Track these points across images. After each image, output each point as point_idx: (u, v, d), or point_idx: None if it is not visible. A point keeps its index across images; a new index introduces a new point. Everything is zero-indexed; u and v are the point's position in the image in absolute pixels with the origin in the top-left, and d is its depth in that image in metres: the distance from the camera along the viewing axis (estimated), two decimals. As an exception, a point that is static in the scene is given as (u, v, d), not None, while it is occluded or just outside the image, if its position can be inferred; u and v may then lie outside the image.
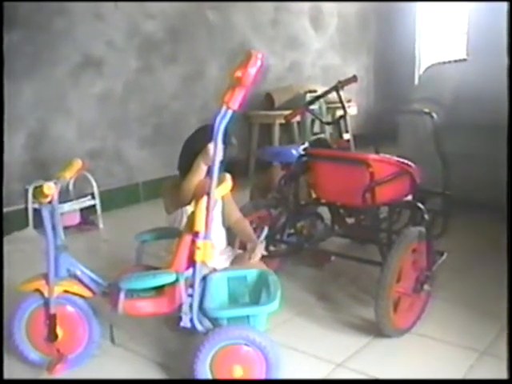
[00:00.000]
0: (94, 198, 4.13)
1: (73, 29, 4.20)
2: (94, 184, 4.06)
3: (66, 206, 3.86)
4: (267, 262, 2.91)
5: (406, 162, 2.68)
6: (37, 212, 3.86)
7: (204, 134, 2.25)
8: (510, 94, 2.83)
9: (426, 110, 3.05)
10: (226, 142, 1.93)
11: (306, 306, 2.75)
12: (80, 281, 2.09)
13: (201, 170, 2.09)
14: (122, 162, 4.67)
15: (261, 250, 2.24)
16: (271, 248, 2.88)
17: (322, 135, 4.37)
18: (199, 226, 1.84)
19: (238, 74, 1.75)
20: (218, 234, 2.32)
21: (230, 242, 2.47)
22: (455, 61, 5.11)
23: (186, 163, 2.24)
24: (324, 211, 3.10)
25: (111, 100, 4.53)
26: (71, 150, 4.25)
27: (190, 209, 2.21)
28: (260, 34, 5.75)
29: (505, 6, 5.42)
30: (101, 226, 4.13)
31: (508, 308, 2.10)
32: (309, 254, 3.14)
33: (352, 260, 2.83)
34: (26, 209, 3.95)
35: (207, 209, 1.84)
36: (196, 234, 1.85)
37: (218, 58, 5.29)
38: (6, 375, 2.07)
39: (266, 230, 2.26)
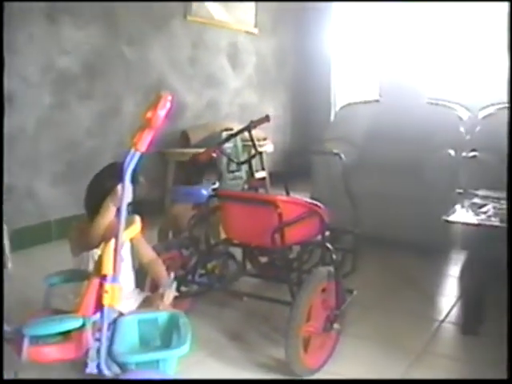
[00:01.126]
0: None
1: (-16, 62, 4.11)
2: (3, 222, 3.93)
3: (-27, 245, 3.72)
4: (178, 302, 2.91)
5: (314, 202, 2.74)
6: None
7: (111, 172, 2.23)
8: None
9: (335, 151, 3.15)
10: (134, 181, 1.92)
11: (217, 346, 2.75)
12: (-18, 326, 2.02)
13: (110, 211, 2.06)
14: (34, 199, 4.55)
15: (170, 296, 2.21)
16: (183, 288, 2.87)
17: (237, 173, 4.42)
18: (107, 268, 1.82)
19: (148, 115, 1.76)
20: (126, 277, 2.28)
21: (139, 283, 2.43)
22: (368, 101, 5.28)
23: (93, 202, 2.20)
24: (237, 250, 3.12)
25: (23, 136, 4.43)
26: (-21, 186, 4.12)
27: (96, 252, 2.17)
28: (178, 71, 5.77)
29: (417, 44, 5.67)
30: (9, 265, 3.98)
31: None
32: (221, 294, 3.14)
33: (263, 300, 2.85)
34: None
35: (115, 251, 1.83)
36: (104, 277, 1.83)
37: (135, 94, 5.27)
38: None
39: (172, 276, 2.25)
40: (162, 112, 1.74)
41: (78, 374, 2.23)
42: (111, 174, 2.20)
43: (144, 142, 1.77)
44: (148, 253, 2.38)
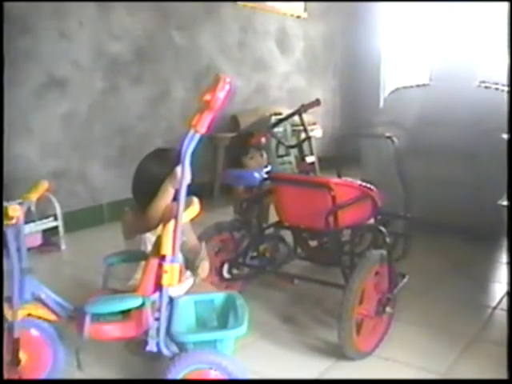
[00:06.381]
0: (56, 219, 4.08)
1: (37, 48, 4.18)
2: (57, 205, 4.01)
3: (28, 228, 3.80)
4: (230, 284, 2.94)
5: (367, 185, 2.73)
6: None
7: (157, 159, 2.27)
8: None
9: (388, 134, 3.12)
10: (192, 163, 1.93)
11: (269, 328, 2.77)
12: (45, 304, 2.07)
13: (168, 193, 2.08)
14: (86, 182, 4.64)
15: (206, 266, 2.22)
16: (234, 271, 2.90)
17: (286, 158, 4.42)
18: (166, 249, 1.84)
19: (207, 97, 1.76)
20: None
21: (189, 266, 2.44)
22: (418, 85, 5.21)
23: (146, 187, 2.22)
24: (287, 234, 3.13)
25: (76, 120, 4.51)
26: (33, 170, 4.21)
27: (148, 235, 2.21)
28: (227, 56, 5.79)
29: (469, 31, 5.56)
30: (63, 247, 4.08)
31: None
32: (272, 277, 3.15)
33: (315, 283, 2.85)
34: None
35: (174, 232, 1.85)
36: (163, 258, 1.86)
37: (184, 79, 5.32)
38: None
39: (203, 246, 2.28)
40: (221, 94, 1.74)
41: (131, 355, 2.29)
42: (161, 160, 2.25)
43: (203, 123, 1.77)
44: (194, 239, 2.43)
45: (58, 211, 4.06)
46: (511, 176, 2.51)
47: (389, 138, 3.02)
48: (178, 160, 1.88)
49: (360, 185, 2.70)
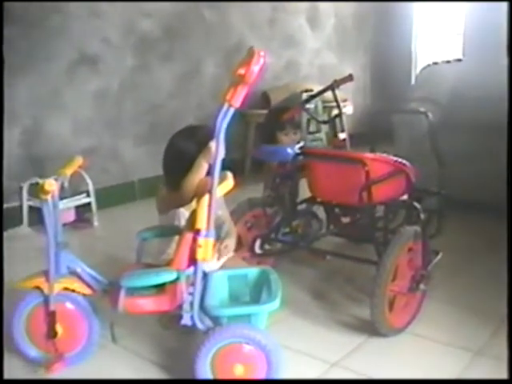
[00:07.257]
0: (89, 195, 4.12)
1: (68, 25, 4.19)
2: (90, 182, 4.05)
3: (62, 204, 3.82)
4: (262, 260, 2.94)
5: (401, 161, 2.69)
6: (32, 209, 3.87)
7: (188, 136, 2.29)
8: (510, 93, 2.85)
9: (422, 110, 3.07)
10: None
11: (300, 304, 2.76)
12: (80, 278, 2.09)
13: (202, 168, 2.08)
14: (118, 159, 4.67)
15: (231, 244, 2.25)
16: (266, 246, 2.90)
17: (317, 134, 4.40)
18: (201, 223, 1.84)
19: (241, 71, 1.75)
20: None
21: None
22: (451, 61, 5.13)
23: (172, 165, 2.29)
24: (319, 210, 3.11)
25: (107, 97, 4.53)
26: (66, 147, 4.25)
27: (182, 210, 2.22)
28: (257, 32, 5.75)
29: (502, 6, 5.45)
30: (95, 223, 4.13)
31: (508, 306, 2.11)
32: (304, 253, 3.14)
33: (347, 259, 2.84)
34: (21, 206, 3.94)
35: (209, 206, 1.85)
36: (197, 232, 1.86)
37: (215, 56, 5.30)
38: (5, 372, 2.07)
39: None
40: (255, 67, 1.72)
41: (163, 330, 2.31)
42: (191, 137, 2.27)
43: (238, 97, 1.76)
44: (227, 215, 2.45)
45: (91, 188, 4.10)
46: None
47: (423, 113, 2.98)
48: (211, 135, 1.88)
49: (394, 160, 2.67)
